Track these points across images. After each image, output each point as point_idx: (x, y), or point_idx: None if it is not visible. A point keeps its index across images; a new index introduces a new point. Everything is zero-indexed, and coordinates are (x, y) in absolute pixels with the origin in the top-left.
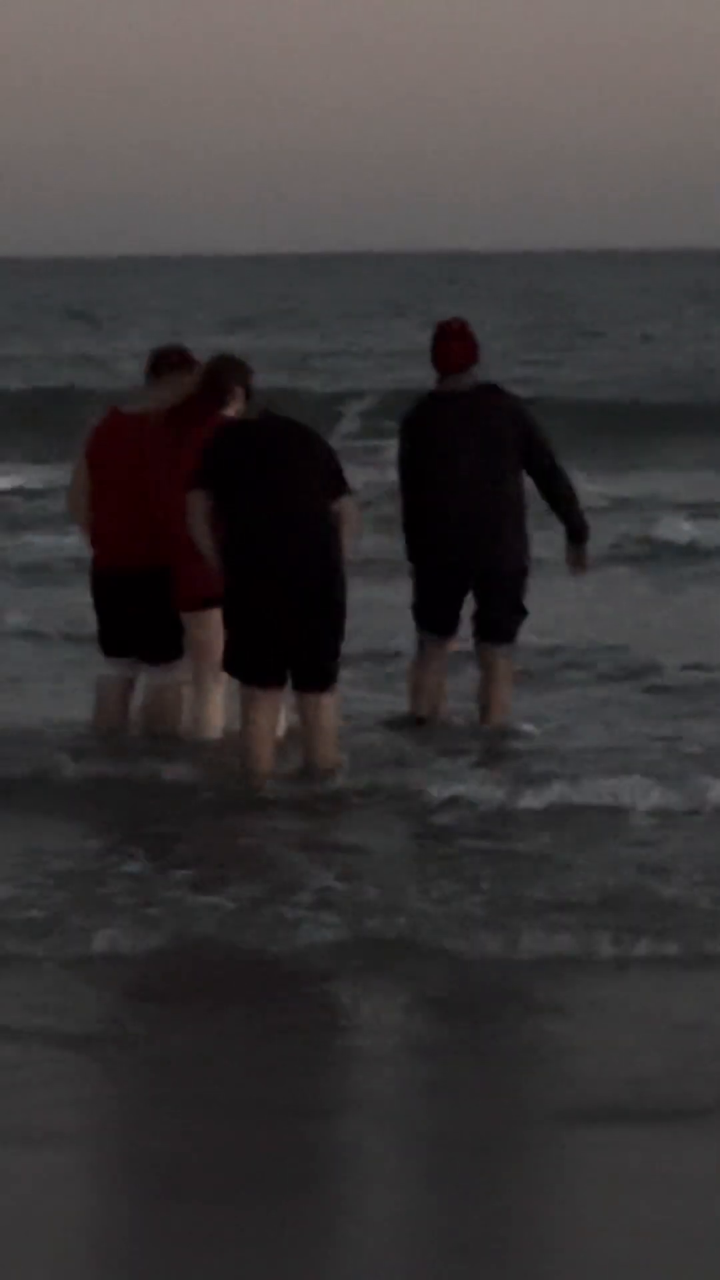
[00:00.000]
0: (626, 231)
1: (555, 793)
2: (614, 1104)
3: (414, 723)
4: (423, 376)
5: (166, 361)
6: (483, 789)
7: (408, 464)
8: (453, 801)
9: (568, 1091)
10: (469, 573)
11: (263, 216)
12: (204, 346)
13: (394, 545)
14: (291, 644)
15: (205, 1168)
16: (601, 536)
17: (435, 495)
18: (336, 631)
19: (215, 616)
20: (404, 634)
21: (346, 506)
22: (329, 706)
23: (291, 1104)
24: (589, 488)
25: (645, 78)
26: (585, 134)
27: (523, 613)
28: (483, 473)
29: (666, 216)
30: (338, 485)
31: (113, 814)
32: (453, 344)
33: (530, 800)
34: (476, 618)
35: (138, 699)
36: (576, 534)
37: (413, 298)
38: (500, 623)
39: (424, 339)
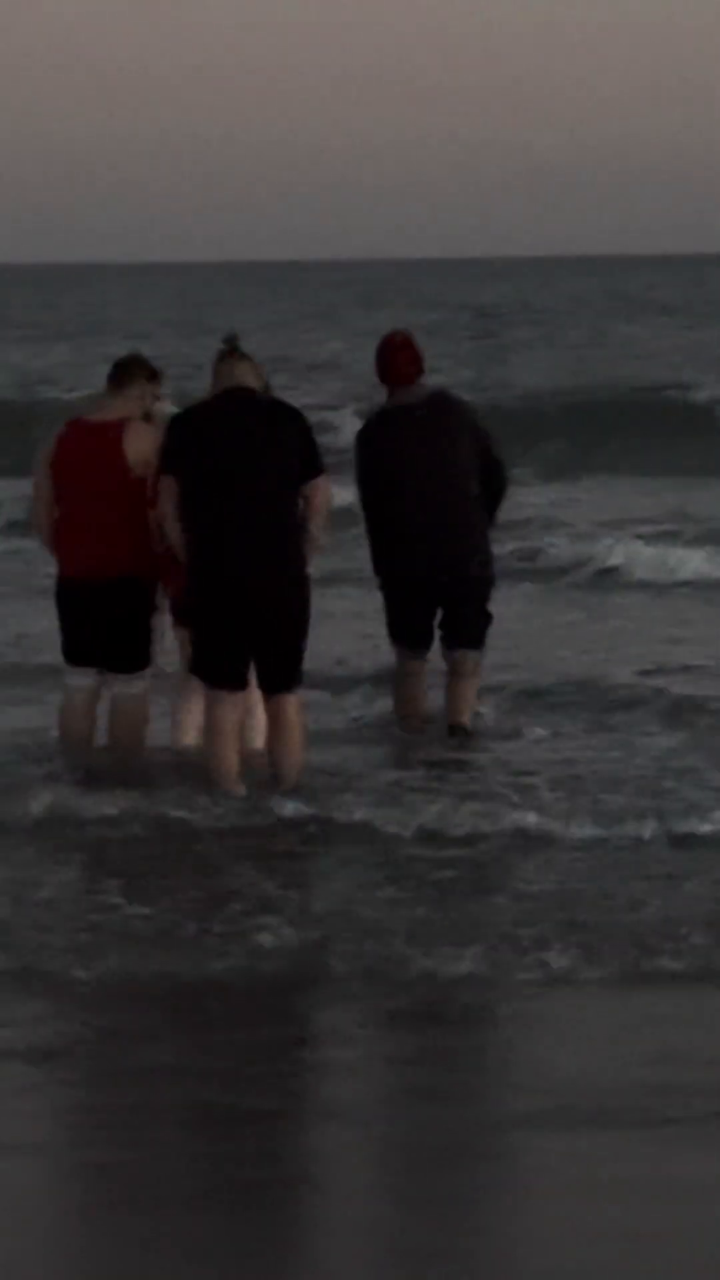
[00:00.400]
0: (576, 239)
1: (516, 817)
2: (580, 1112)
3: (400, 731)
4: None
5: (128, 372)
6: (449, 813)
7: (369, 480)
8: (417, 823)
9: (534, 1099)
10: (438, 584)
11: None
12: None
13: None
14: (256, 644)
15: (174, 1176)
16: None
17: (398, 509)
18: (301, 630)
19: None
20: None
21: (317, 489)
22: (294, 707)
23: (259, 1112)
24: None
25: (630, 75)
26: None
27: (489, 618)
28: (444, 483)
29: (622, 224)
30: (309, 465)
31: (73, 831)
32: (400, 356)
33: (493, 824)
34: (445, 625)
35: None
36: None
37: (337, 306)
38: (469, 629)
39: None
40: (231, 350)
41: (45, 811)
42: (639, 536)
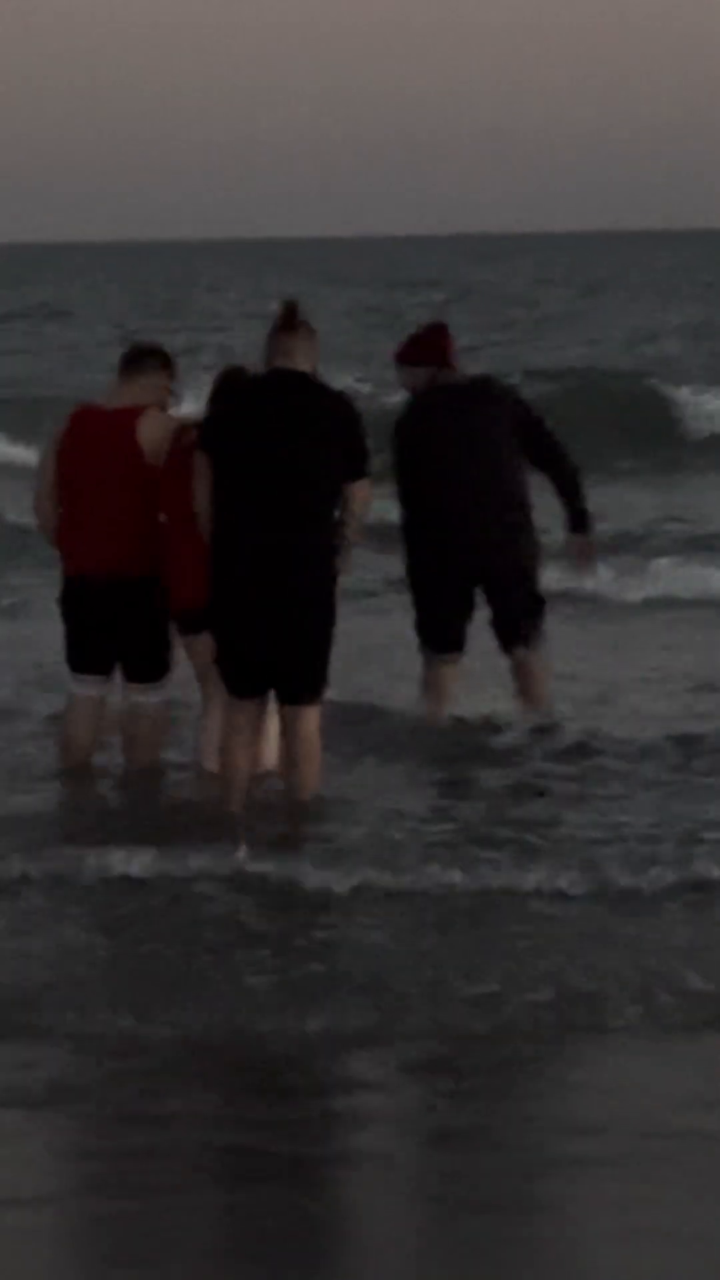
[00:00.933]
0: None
1: (531, 862)
2: (616, 1159)
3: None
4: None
5: (141, 359)
6: (464, 855)
7: (407, 469)
8: (430, 866)
9: (568, 1146)
10: (479, 578)
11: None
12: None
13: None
14: (274, 649)
15: (186, 1227)
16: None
17: (440, 500)
18: (321, 638)
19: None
20: None
21: (357, 492)
22: (312, 720)
23: (279, 1158)
24: None
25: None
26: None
27: (541, 604)
28: (486, 470)
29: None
30: (354, 465)
31: (75, 875)
32: (452, 343)
33: (508, 869)
34: (497, 622)
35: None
36: (577, 523)
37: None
38: (525, 623)
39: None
40: (287, 321)
41: (49, 854)
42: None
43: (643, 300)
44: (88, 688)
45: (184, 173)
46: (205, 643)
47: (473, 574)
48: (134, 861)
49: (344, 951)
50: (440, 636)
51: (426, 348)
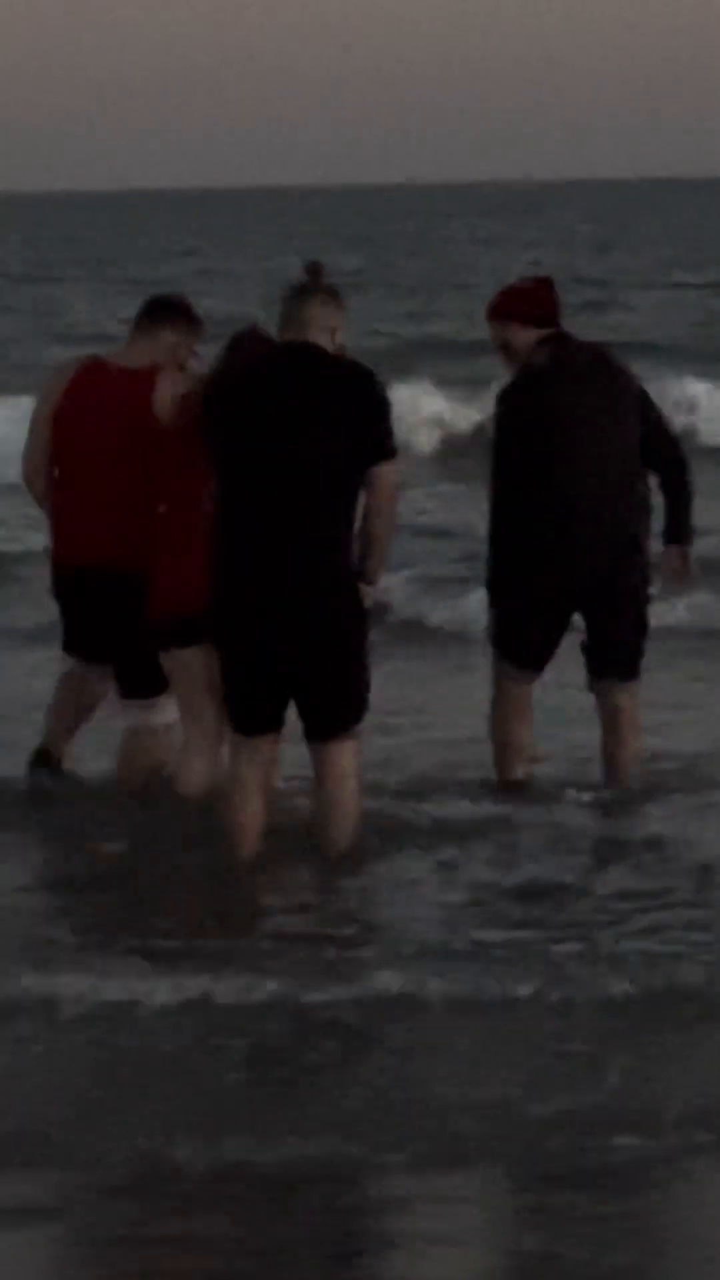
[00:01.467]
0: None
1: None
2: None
3: (506, 789)
4: None
5: (163, 312)
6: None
7: (514, 451)
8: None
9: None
10: (586, 593)
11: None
12: None
13: None
14: (292, 676)
15: None
16: None
17: (558, 492)
18: (351, 655)
19: (189, 652)
20: None
21: (383, 476)
22: (347, 758)
23: None
24: None
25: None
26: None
27: (646, 634)
28: (616, 460)
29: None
30: (378, 447)
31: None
32: (558, 297)
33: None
34: (594, 648)
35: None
36: (679, 533)
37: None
38: (628, 652)
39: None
40: (303, 286)
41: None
42: None
43: (655, 257)
44: (85, 669)
45: (152, 114)
46: (189, 658)
47: (581, 586)
48: (133, 982)
49: (368, 1067)
50: (527, 650)
51: (532, 302)
